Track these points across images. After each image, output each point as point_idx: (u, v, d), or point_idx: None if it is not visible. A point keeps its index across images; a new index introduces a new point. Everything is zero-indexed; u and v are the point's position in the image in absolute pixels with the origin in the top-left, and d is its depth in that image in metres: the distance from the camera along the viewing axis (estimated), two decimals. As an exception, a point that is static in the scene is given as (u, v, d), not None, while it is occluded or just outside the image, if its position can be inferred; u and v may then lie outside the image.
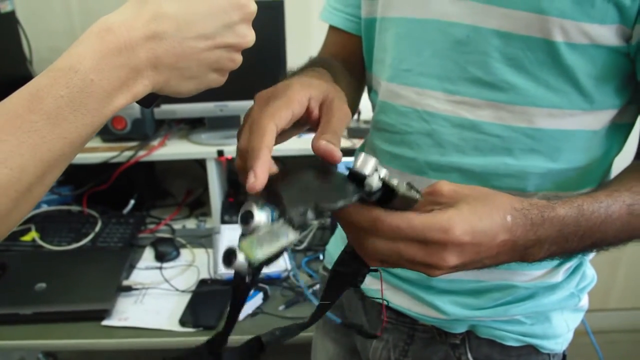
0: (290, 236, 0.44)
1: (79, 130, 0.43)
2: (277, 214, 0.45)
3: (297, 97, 0.56)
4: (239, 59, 0.54)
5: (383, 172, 0.49)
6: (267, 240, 0.44)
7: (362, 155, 0.49)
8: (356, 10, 0.86)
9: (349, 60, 0.87)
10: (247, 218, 0.44)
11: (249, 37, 0.53)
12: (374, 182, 0.48)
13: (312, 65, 0.74)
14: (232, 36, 0.51)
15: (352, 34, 0.89)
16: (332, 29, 0.93)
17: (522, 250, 0.56)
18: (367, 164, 0.48)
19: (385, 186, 0.49)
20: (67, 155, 0.44)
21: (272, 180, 0.49)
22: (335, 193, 0.48)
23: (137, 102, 0.50)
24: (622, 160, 0.75)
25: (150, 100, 0.52)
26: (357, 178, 0.49)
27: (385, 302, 0.84)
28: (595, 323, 1.58)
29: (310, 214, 0.45)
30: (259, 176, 0.49)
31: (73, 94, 0.42)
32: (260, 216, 0.44)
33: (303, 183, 0.52)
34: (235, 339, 0.55)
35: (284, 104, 0.55)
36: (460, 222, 0.50)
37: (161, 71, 0.47)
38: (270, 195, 0.48)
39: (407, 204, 0.50)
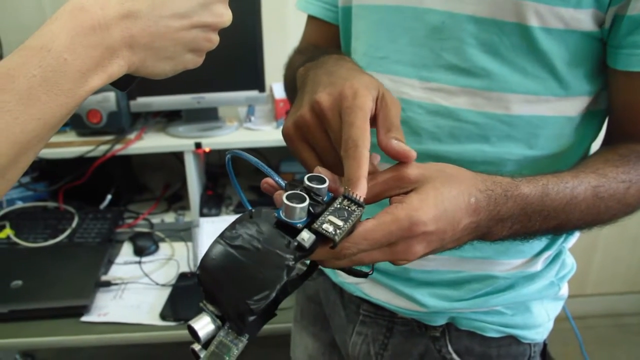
0: (241, 342, 0.43)
1: (53, 111, 0.42)
2: (219, 324, 0.43)
3: (371, 96, 0.54)
4: (215, 39, 0.53)
5: (311, 206, 0.46)
6: (221, 354, 0.42)
7: (285, 199, 0.45)
8: None
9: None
10: (194, 334, 0.43)
11: (225, 16, 0.52)
12: (306, 237, 0.44)
13: (324, 52, 0.71)
14: (209, 15, 0.50)
15: (331, 23, 0.88)
16: (311, 18, 0.92)
17: (485, 230, 0.55)
18: (294, 211, 0.45)
19: (320, 234, 0.44)
20: (41, 137, 0.42)
21: (208, 270, 0.45)
22: (271, 270, 0.43)
23: (114, 84, 0.49)
24: (596, 148, 0.75)
25: (126, 83, 0.51)
26: (287, 228, 0.46)
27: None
28: (573, 309, 1.60)
29: (249, 316, 0.42)
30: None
31: (46, 73, 0.41)
32: (205, 331, 0.43)
33: (236, 265, 0.44)
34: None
35: (367, 112, 0.52)
36: (425, 213, 0.48)
37: (136, 51, 0.47)
38: (209, 296, 0.44)
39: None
